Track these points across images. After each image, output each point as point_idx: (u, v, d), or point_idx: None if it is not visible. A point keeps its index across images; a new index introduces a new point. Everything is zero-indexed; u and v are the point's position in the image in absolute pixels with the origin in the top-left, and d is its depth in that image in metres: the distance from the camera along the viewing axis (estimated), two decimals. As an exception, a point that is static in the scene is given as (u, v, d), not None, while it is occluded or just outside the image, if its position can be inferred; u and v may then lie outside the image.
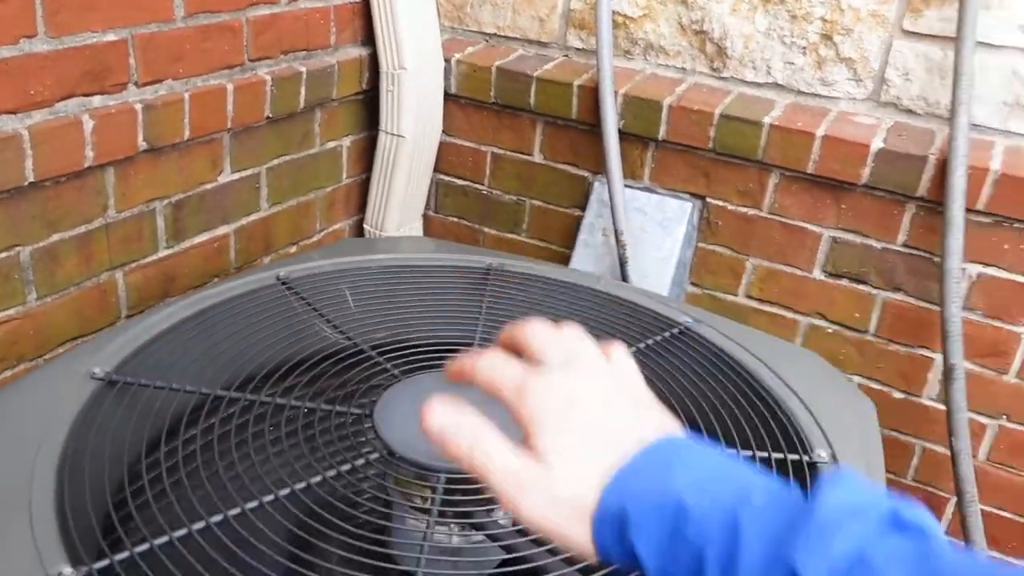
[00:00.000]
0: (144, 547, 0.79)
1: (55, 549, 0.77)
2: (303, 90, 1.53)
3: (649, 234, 1.63)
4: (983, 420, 1.49)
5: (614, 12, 1.61)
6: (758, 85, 1.56)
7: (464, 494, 0.90)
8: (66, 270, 1.25)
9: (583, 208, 1.68)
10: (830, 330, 1.56)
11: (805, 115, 1.48)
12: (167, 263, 1.40)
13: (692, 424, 1.06)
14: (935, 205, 1.39)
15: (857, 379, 1.56)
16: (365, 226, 1.80)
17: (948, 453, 1.44)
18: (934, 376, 1.49)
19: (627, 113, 1.56)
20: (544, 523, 0.45)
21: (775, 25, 1.52)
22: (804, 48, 1.51)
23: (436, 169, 1.81)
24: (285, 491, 0.89)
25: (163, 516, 0.84)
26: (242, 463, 0.93)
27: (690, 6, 1.57)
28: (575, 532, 0.45)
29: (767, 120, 1.47)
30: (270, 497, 0.87)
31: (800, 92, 1.53)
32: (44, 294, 1.23)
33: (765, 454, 1.00)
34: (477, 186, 1.80)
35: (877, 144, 1.40)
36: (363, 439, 0.97)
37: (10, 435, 0.91)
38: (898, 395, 1.54)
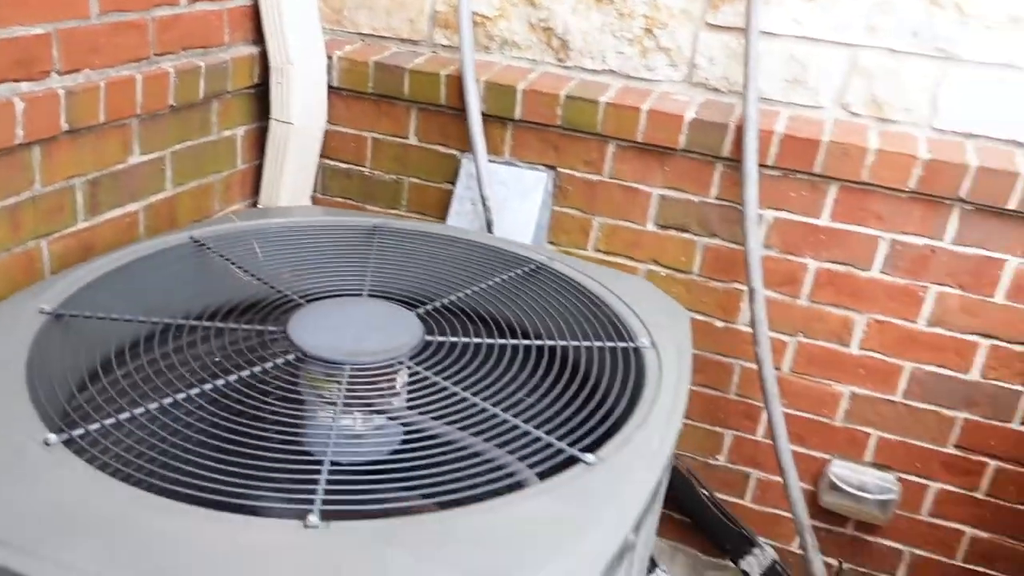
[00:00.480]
0: (110, 421, 1.00)
1: (37, 423, 0.97)
2: (202, 83, 1.73)
3: (511, 202, 1.91)
4: (784, 338, 1.84)
5: (473, 13, 1.89)
6: (596, 72, 1.87)
7: (366, 385, 1.14)
8: (-2, 237, 1.41)
9: (454, 182, 1.94)
10: (663, 273, 1.88)
11: (633, 95, 1.80)
12: (85, 235, 1.58)
13: (547, 328, 1.33)
14: (736, 163, 1.72)
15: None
16: (259, 207, 2.00)
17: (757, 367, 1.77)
18: (745, 305, 1.83)
19: (488, 98, 1.84)
20: None
21: (607, 22, 1.83)
22: (631, 40, 1.82)
23: (322, 155, 2.04)
24: (212, 384, 1.10)
25: (115, 403, 1.04)
26: (180, 369, 1.14)
27: (537, 6, 1.86)
28: None
29: (603, 100, 1.77)
30: (198, 390, 1.08)
31: (629, 77, 1.85)
32: (-20, 258, 1.39)
33: (601, 343, 1.28)
34: (360, 168, 2.03)
35: (690, 116, 1.73)
36: (279, 348, 1.20)
37: None
38: (719, 324, 1.87)
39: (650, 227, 1.86)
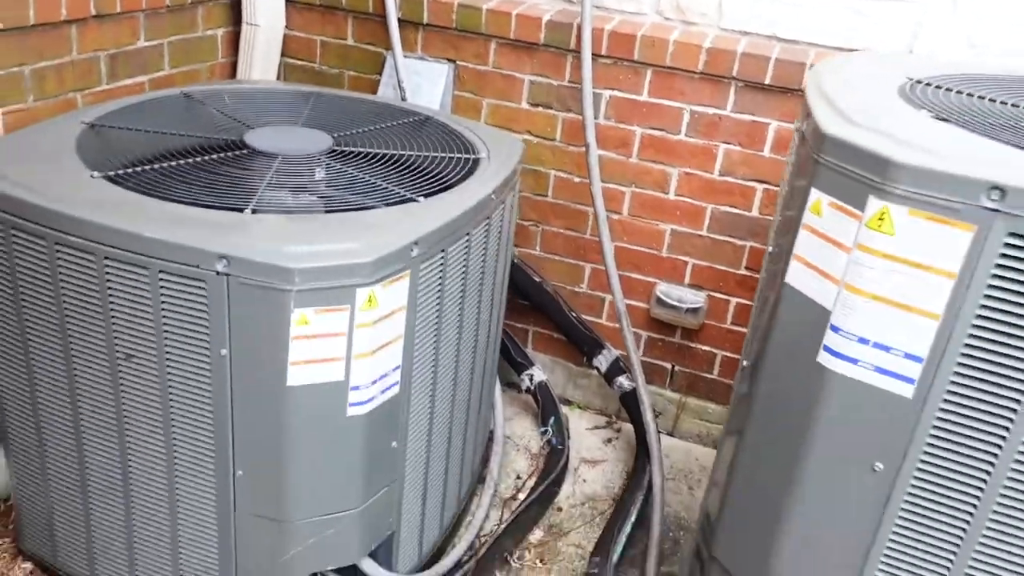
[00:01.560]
0: (128, 170, 1.65)
1: (85, 169, 1.62)
2: (190, -10, 2.36)
3: (423, 88, 2.54)
4: (621, 188, 2.48)
5: (394, -56, 2.51)
6: (485, -11, 2.50)
7: (293, 169, 1.78)
8: (48, 87, 2.05)
9: (380, 74, 2.58)
10: (535, 141, 2.52)
11: (507, 4, 2.43)
12: (106, 93, 2.21)
13: (420, 148, 1.97)
14: (578, 53, 2.36)
15: (552, 171, 2.53)
16: (235, 93, 2.63)
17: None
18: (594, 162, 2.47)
19: (403, 7, 2.47)
20: None
21: (493, -49, 2.45)
22: (510, -35, 2.45)
23: (282, 54, 2.67)
24: (194, 159, 1.75)
25: (132, 165, 1.69)
26: (175, 156, 1.79)
27: (441, -60, 2.49)
28: None
29: (485, 7, 2.41)
30: (185, 161, 1.73)
31: (509, -7, 2.48)
32: (37, 98, 2.03)
33: (449, 154, 1.93)
34: (311, 64, 2.67)
35: (546, 19, 2.36)
36: (239, 148, 1.84)
37: (39, 147, 1.75)
38: (576, 180, 2.52)
39: (524, 105, 2.50)
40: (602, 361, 2.58)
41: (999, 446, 1.18)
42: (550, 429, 2.53)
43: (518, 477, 2.43)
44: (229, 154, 1.78)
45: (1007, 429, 1.17)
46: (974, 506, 1.24)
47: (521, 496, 2.34)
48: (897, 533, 1.31)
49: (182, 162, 1.72)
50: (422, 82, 2.54)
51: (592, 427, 2.70)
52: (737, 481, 1.52)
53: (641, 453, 2.42)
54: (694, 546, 1.78)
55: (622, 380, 2.51)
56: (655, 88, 2.36)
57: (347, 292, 1.46)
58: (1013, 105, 1.42)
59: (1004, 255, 1.09)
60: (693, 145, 2.39)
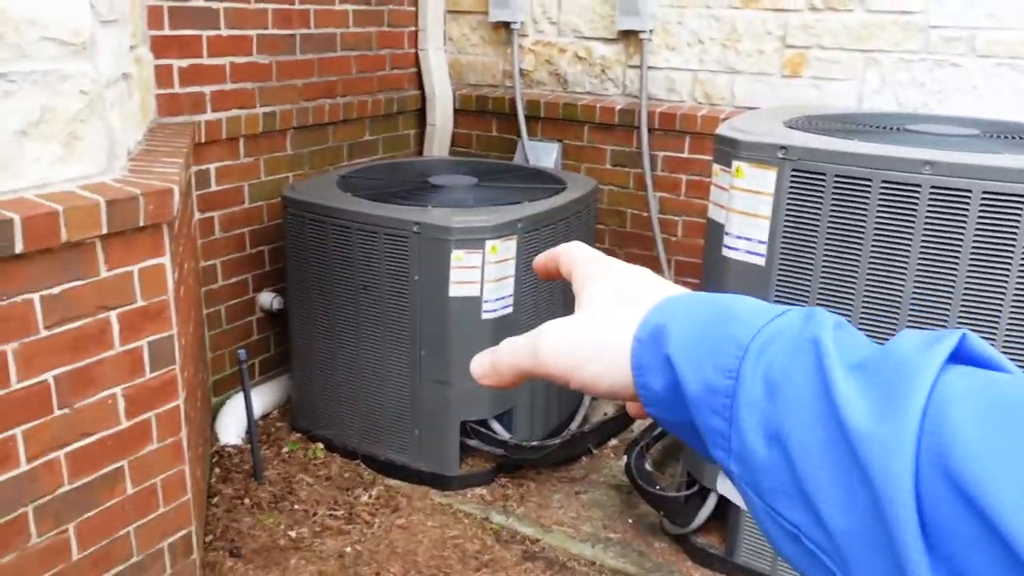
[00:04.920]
0: (372, 192, 3.00)
1: (347, 192, 2.99)
2: (395, 105, 3.80)
3: (542, 160, 3.82)
4: (675, 218, 3.63)
5: (521, 70, 3.87)
6: (579, 93, 3.79)
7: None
8: (315, 162, 3.48)
9: (513, 153, 3.89)
10: (616, 191, 3.72)
11: (594, 99, 3.70)
12: (347, 168, 3.63)
13: (525, 186, 3.25)
14: (639, 128, 3.58)
15: (629, 210, 3.71)
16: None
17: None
18: (654, 220, 3.64)
19: (527, 107, 3.80)
20: (570, 358, 0.50)
21: (584, 68, 3.75)
22: (596, 76, 3.74)
23: (452, 144, 4.05)
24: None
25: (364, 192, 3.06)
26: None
27: (553, 63, 3.82)
28: (608, 358, 0.48)
29: (579, 103, 3.69)
30: (400, 188, 3.07)
31: (595, 94, 3.76)
32: (310, 168, 3.47)
33: (547, 185, 3.18)
34: (470, 150, 4.04)
35: (619, 107, 3.61)
36: (426, 183, 3.17)
37: (322, 184, 3.16)
38: (644, 214, 3.69)
39: (608, 166, 3.72)
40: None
41: (808, 291, 2.21)
42: (629, 385, 3.61)
43: (605, 413, 3.52)
44: (419, 184, 3.11)
45: (810, 277, 2.20)
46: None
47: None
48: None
49: (394, 189, 3.05)
50: (540, 155, 3.83)
51: (664, 391, 3.74)
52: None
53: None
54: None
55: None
56: (693, 147, 3.53)
57: (480, 243, 2.70)
58: (834, 121, 2.50)
59: (792, 181, 2.16)
60: (721, 184, 3.51)
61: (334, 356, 3.00)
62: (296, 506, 2.84)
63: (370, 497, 2.91)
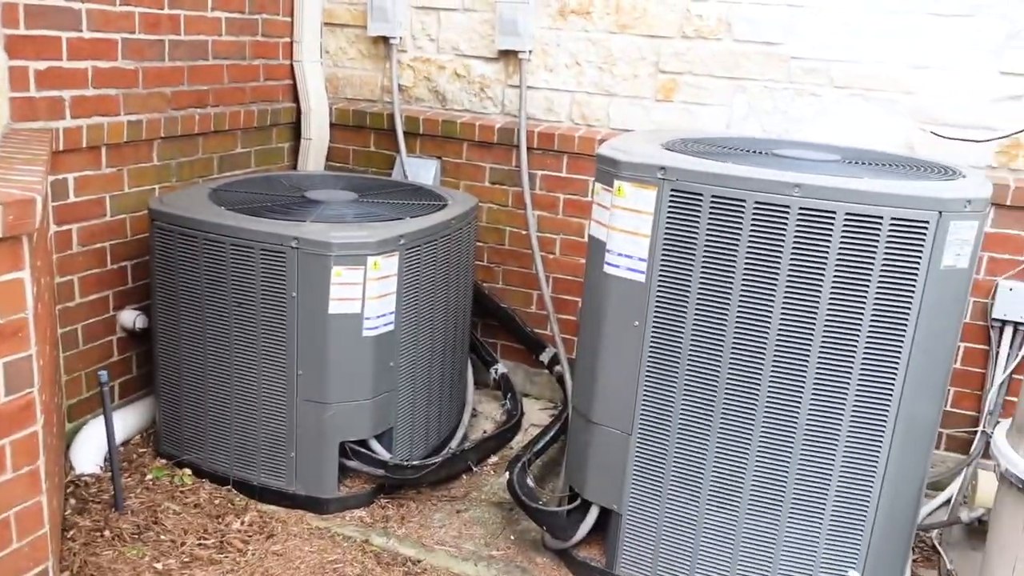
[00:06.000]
0: (245, 206, 2.90)
1: (215, 207, 2.88)
2: (269, 118, 3.68)
3: (421, 176, 3.80)
4: (553, 236, 3.67)
5: (400, 86, 3.84)
6: (458, 111, 3.80)
7: (333, 207, 3.02)
8: (183, 174, 3.33)
9: (392, 169, 3.85)
10: (495, 208, 3.74)
11: (474, 118, 3.71)
12: (216, 181, 3.50)
13: (406, 201, 3.22)
14: (518, 147, 3.61)
15: (508, 228, 3.73)
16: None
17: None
18: (532, 220, 3.68)
19: (407, 123, 3.77)
20: None
21: (463, 86, 3.76)
22: (475, 94, 3.75)
23: (327, 159, 3.96)
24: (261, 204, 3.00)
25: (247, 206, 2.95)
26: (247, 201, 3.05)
27: (432, 80, 3.81)
28: None
29: (459, 121, 3.69)
30: (275, 203, 2.98)
31: (474, 112, 3.77)
32: (178, 180, 3.31)
33: (428, 201, 3.16)
34: (347, 165, 3.96)
35: (498, 126, 3.64)
36: (302, 198, 3.09)
37: (191, 198, 3.03)
38: (523, 232, 3.71)
39: (487, 184, 3.73)
40: (545, 356, 3.69)
41: (686, 306, 2.28)
42: (508, 402, 3.62)
43: (484, 431, 3.51)
44: (296, 199, 3.02)
45: (687, 293, 2.27)
46: (680, 344, 2.32)
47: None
48: (649, 363, 2.38)
49: (269, 204, 2.95)
50: (419, 171, 3.80)
51: (542, 408, 3.78)
52: (580, 350, 2.61)
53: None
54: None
55: (557, 367, 3.61)
56: (571, 167, 3.59)
57: (362, 259, 2.64)
58: (709, 144, 2.60)
59: (671, 200, 2.23)
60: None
61: (204, 377, 2.86)
62: (162, 536, 2.68)
63: (243, 524, 2.78)
